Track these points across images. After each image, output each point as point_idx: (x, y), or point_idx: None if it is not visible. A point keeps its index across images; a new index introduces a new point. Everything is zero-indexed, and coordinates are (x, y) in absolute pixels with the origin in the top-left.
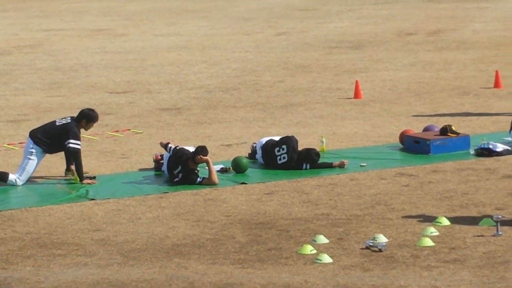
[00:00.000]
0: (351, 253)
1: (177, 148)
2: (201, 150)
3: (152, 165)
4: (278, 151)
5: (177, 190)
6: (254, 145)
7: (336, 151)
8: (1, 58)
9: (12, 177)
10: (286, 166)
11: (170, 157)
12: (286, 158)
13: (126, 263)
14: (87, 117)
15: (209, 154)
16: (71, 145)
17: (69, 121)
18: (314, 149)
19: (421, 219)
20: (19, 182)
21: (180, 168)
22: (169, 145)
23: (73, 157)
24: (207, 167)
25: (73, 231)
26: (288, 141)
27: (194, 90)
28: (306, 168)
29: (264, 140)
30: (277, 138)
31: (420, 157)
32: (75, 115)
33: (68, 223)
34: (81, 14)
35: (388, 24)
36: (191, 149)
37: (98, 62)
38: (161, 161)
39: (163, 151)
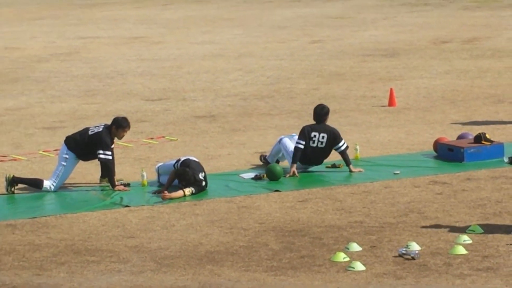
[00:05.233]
0: (384, 261)
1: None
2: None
3: None
4: (315, 136)
5: (211, 197)
6: (266, 155)
7: (370, 159)
8: (38, 66)
9: (46, 183)
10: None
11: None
12: (323, 144)
13: (159, 270)
14: (116, 124)
15: (243, 161)
16: (101, 156)
17: (101, 129)
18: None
19: (454, 227)
20: (53, 188)
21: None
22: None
23: (104, 167)
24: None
25: (107, 238)
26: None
27: (229, 97)
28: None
29: (289, 148)
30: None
31: (454, 165)
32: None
33: (102, 229)
34: (117, 22)
35: (423, 32)
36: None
37: (134, 69)
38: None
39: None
